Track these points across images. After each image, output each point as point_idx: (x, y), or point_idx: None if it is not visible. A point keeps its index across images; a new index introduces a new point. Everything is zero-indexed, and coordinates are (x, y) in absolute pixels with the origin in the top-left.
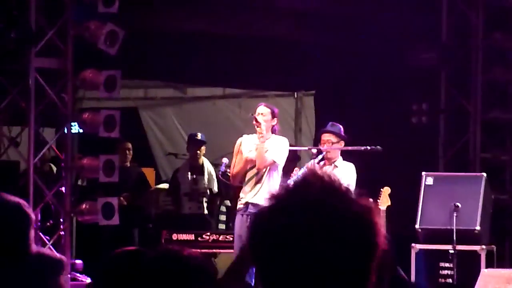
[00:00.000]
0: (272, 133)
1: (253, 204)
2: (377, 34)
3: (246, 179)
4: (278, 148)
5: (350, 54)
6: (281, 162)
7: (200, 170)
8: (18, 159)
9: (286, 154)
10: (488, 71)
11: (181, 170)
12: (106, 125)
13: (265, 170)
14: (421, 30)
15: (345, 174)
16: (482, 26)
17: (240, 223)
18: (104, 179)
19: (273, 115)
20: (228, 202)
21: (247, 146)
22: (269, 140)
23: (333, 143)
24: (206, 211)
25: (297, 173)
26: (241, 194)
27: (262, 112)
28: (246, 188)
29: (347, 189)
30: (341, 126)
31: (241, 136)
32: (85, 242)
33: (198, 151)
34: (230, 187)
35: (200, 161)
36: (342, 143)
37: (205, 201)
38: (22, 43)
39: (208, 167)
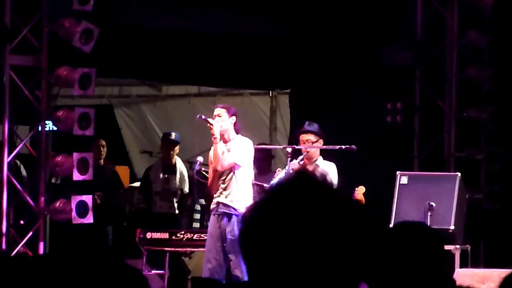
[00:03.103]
0: (236, 133)
1: (223, 204)
2: (352, 32)
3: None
4: (239, 150)
5: (325, 53)
6: (243, 163)
7: (172, 169)
8: None
9: (249, 155)
10: (463, 70)
11: (154, 169)
12: (80, 123)
13: (231, 171)
14: (396, 29)
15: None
16: (457, 25)
17: (212, 223)
18: (78, 177)
19: (230, 114)
20: (202, 201)
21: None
22: (232, 141)
23: (312, 142)
24: (177, 211)
25: (280, 173)
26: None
27: (218, 113)
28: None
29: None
30: (317, 125)
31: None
32: (59, 240)
33: (172, 151)
34: (205, 186)
35: (173, 161)
36: (321, 141)
37: (176, 201)
38: None
39: (180, 167)
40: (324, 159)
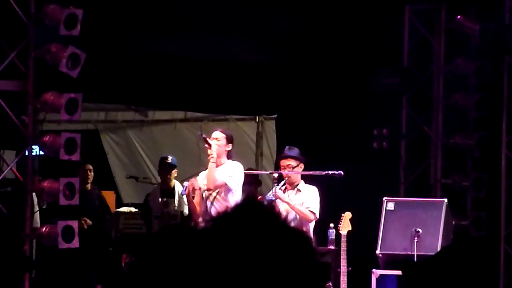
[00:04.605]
0: (227, 158)
1: None
2: (339, 58)
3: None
4: (230, 172)
5: (312, 78)
6: (233, 185)
7: (170, 193)
8: None
9: (240, 177)
10: (449, 97)
11: (152, 194)
12: (67, 148)
13: (218, 193)
14: (382, 55)
15: (308, 197)
16: (444, 51)
17: None
18: (64, 202)
19: (228, 141)
20: None
21: (202, 179)
22: (224, 166)
23: (293, 167)
24: None
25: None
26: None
27: (217, 137)
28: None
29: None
30: (297, 149)
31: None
32: (44, 265)
33: (169, 175)
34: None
35: (171, 184)
36: (302, 165)
37: None
38: None
39: (179, 190)
40: (305, 182)
